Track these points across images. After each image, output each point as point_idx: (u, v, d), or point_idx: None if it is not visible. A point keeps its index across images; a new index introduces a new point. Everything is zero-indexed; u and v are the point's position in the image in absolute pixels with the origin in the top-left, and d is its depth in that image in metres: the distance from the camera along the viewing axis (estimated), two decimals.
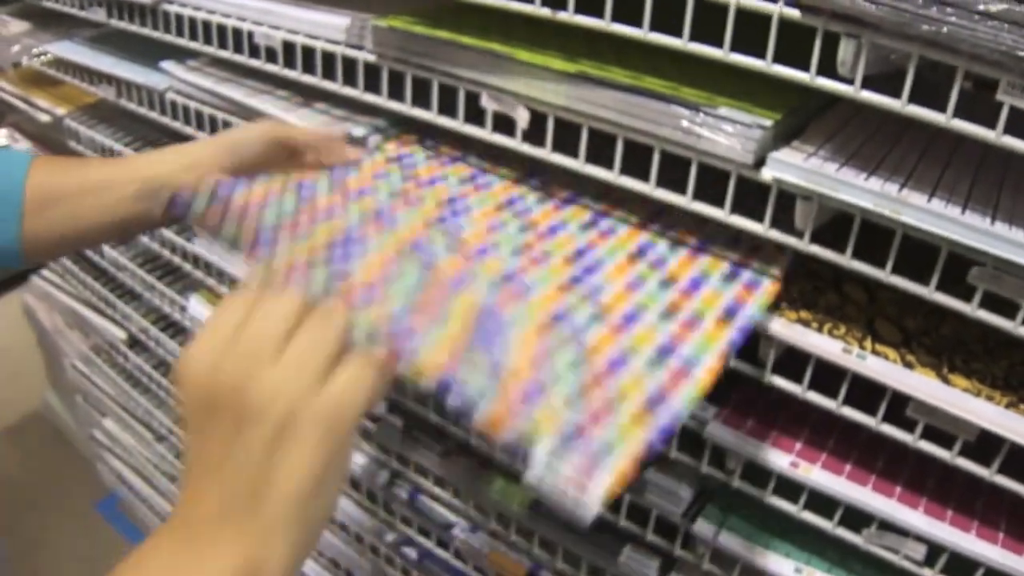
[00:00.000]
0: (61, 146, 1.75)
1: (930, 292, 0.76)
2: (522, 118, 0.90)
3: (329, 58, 1.06)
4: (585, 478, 0.60)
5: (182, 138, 1.38)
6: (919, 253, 0.76)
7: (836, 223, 0.80)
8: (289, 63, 1.11)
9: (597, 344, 0.75)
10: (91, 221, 0.91)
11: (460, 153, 1.07)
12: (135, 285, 1.77)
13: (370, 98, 1.04)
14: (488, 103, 0.92)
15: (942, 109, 0.69)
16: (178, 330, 1.79)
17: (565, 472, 0.61)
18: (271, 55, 1.13)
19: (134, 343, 1.94)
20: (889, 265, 0.77)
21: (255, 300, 0.62)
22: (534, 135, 0.91)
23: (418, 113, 1.00)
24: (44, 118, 1.72)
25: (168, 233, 1.55)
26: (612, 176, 0.87)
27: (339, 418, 0.59)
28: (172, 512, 0.58)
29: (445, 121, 0.98)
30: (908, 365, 0.81)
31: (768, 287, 0.86)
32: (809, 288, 0.89)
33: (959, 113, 0.69)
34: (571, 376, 0.70)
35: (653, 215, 0.95)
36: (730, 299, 0.84)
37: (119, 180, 0.92)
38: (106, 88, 1.49)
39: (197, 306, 1.56)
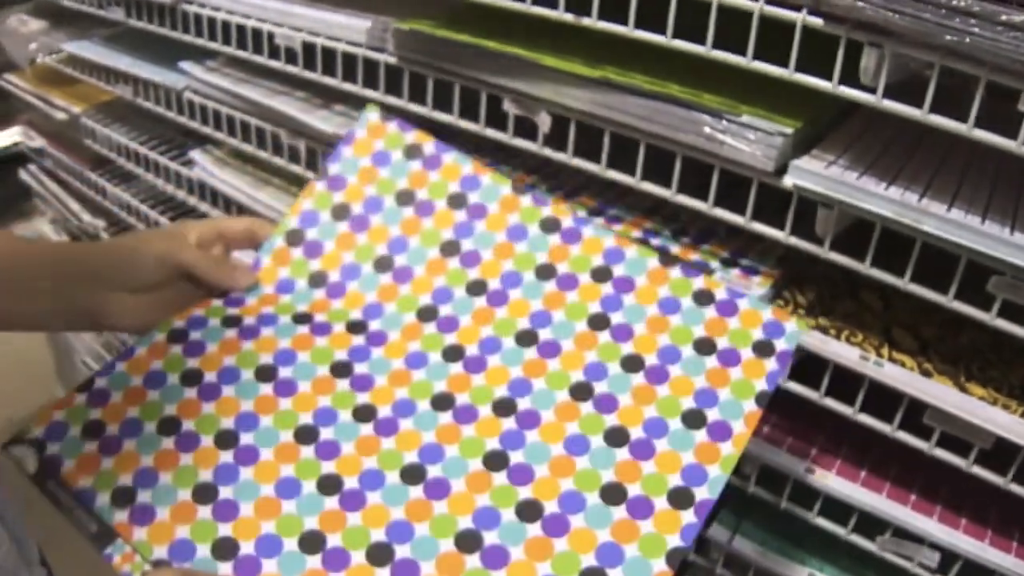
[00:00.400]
0: (76, 144, 1.76)
1: (949, 301, 0.76)
2: (544, 123, 0.91)
3: (350, 60, 1.07)
4: None
5: (199, 138, 1.39)
6: (936, 261, 0.76)
7: (853, 230, 0.80)
8: (309, 64, 1.12)
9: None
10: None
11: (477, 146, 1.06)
12: None
13: (391, 100, 1.05)
14: (510, 107, 0.92)
15: (961, 118, 0.70)
16: None
17: None
18: (291, 56, 1.14)
19: None
20: (908, 274, 0.77)
21: None
22: (555, 139, 0.92)
23: (439, 116, 1.00)
24: (60, 116, 1.73)
25: None
26: (634, 181, 0.88)
27: None
28: None
29: (466, 124, 0.98)
30: (925, 373, 0.81)
31: (765, 273, 0.88)
32: (826, 295, 0.89)
33: (980, 123, 0.69)
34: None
35: (658, 204, 0.96)
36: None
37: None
38: (123, 87, 1.50)
39: None
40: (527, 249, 0.82)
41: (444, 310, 0.80)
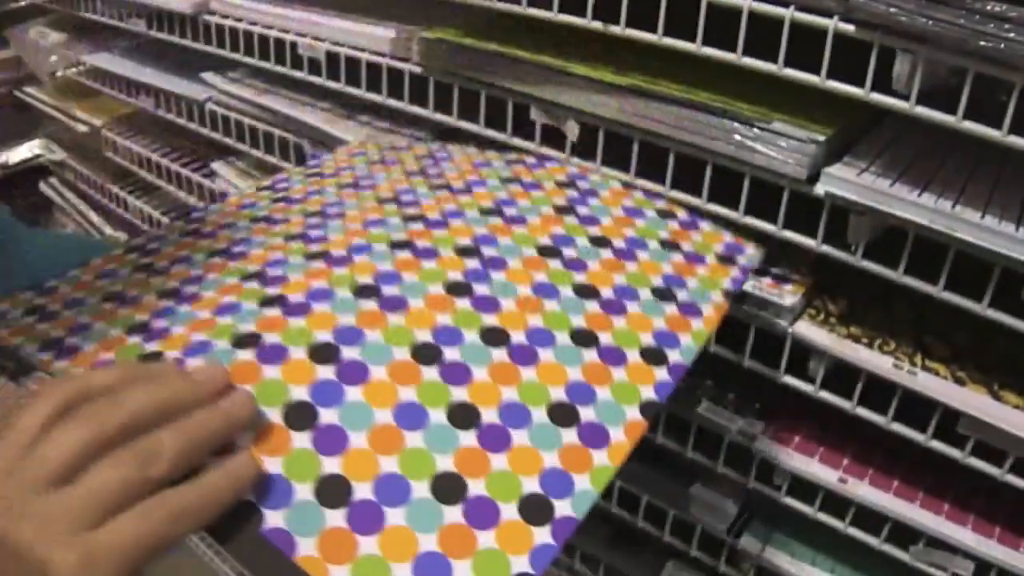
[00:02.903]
0: (97, 156, 1.76)
1: (983, 309, 0.75)
2: (572, 131, 0.90)
3: (374, 70, 1.07)
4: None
5: (218, 148, 1.39)
6: (969, 268, 0.75)
7: (884, 237, 0.80)
8: (333, 75, 1.12)
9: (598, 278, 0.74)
10: None
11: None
12: None
13: (416, 110, 1.04)
14: (538, 116, 0.92)
15: (994, 124, 0.69)
16: None
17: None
18: (314, 66, 1.14)
19: None
20: (942, 281, 0.76)
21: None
22: (583, 148, 0.91)
23: (465, 125, 1.00)
24: (82, 128, 1.74)
25: None
26: (664, 189, 0.87)
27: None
28: None
29: (493, 133, 0.98)
30: (959, 381, 0.80)
31: (796, 281, 0.87)
32: (858, 304, 0.88)
33: (1013, 129, 0.69)
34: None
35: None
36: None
37: None
38: (144, 99, 1.50)
39: None
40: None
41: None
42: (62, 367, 0.63)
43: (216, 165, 1.42)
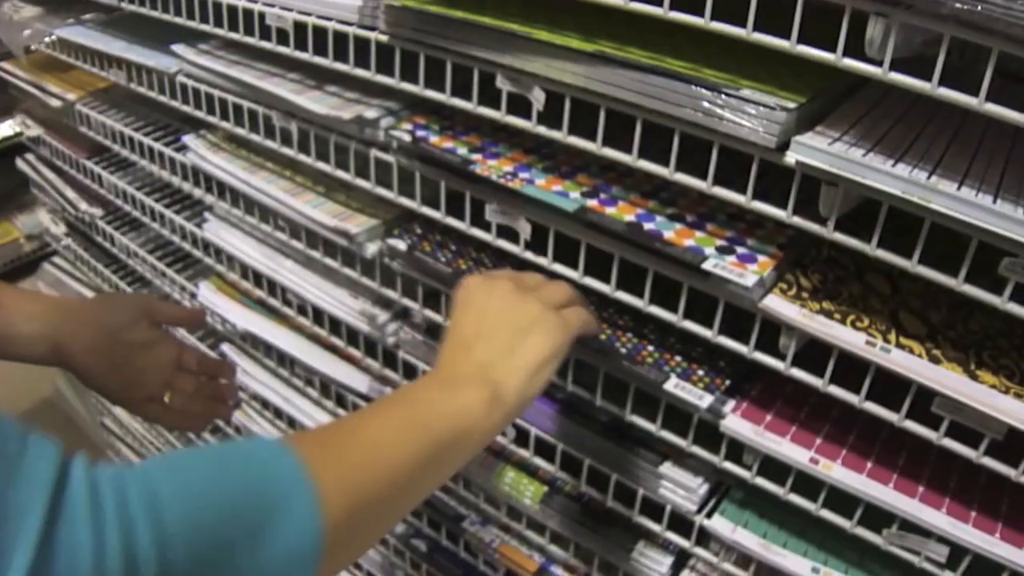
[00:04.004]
0: (73, 132, 1.73)
1: (959, 284, 0.73)
2: (538, 99, 0.87)
3: (341, 39, 1.04)
4: None
5: (193, 123, 1.37)
6: (946, 243, 0.73)
7: (860, 211, 0.77)
8: (300, 45, 1.09)
9: None
10: None
11: (475, 125, 1.06)
12: (145, 272, 1.76)
13: (382, 79, 1.02)
14: (503, 84, 0.89)
15: (969, 91, 0.66)
16: None
17: None
18: (282, 37, 1.11)
19: None
20: (916, 255, 0.74)
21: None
22: (550, 116, 0.88)
23: (431, 94, 0.97)
24: (55, 103, 1.70)
25: (179, 220, 1.53)
26: (631, 159, 0.84)
27: (569, 329, 0.84)
28: (425, 377, 0.82)
29: (459, 102, 0.95)
30: (934, 359, 0.78)
31: (763, 261, 0.84)
32: (831, 278, 0.86)
33: (992, 98, 0.66)
34: None
35: (658, 187, 0.95)
36: None
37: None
38: (117, 72, 1.47)
39: (207, 293, 1.54)
40: None
41: None
42: None
43: (187, 138, 1.39)
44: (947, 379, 0.76)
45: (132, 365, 1.05)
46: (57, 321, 0.99)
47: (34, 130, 1.90)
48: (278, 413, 1.55)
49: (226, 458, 0.63)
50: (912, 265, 0.74)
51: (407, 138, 1.01)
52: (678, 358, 0.94)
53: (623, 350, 0.95)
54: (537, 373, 0.80)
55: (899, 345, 0.79)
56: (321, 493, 0.62)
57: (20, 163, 2.06)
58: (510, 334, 0.81)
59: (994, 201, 0.69)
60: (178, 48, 1.31)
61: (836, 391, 0.82)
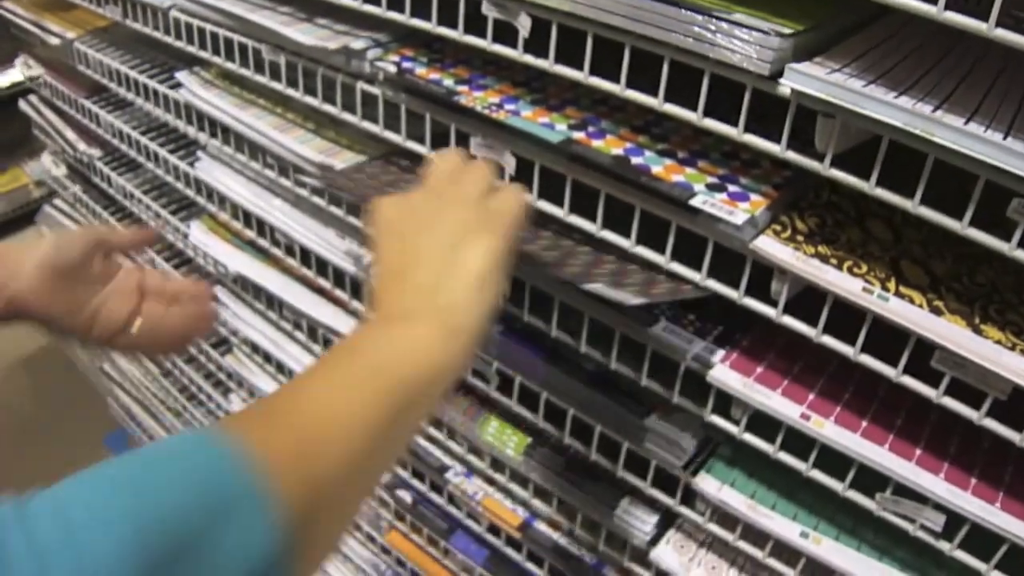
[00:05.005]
0: (73, 72, 1.69)
1: (963, 227, 0.67)
2: (524, 26, 0.82)
3: None
4: None
5: (191, 60, 1.33)
6: (952, 187, 0.68)
7: (859, 150, 0.72)
8: None
9: None
10: None
11: (464, 58, 1.02)
12: (141, 213, 1.72)
13: (369, 9, 0.97)
14: (489, 10, 0.84)
15: (978, 17, 0.61)
16: (182, 260, 1.75)
17: None
18: None
19: None
20: (918, 195, 0.68)
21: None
22: (536, 44, 0.84)
23: (417, 23, 0.93)
24: (54, 41, 1.67)
25: (173, 159, 1.49)
26: (618, 89, 0.79)
27: (503, 222, 0.75)
28: (364, 323, 0.73)
29: (445, 31, 0.90)
30: (936, 311, 0.73)
31: (755, 200, 0.79)
32: (829, 223, 0.81)
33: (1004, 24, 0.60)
34: None
35: (650, 123, 0.90)
36: None
37: None
38: (112, 8, 1.43)
39: (198, 233, 1.51)
40: None
41: None
42: None
43: (180, 75, 1.35)
44: (949, 332, 0.71)
45: (92, 302, 1.00)
46: (1, 274, 0.95)
47: (35, 70, 1.87)
48: (267, 358, 1.53)
49: (150, 464, 0.54)
50: (913, 206, 0.69)
51: (393, 69, 0.97)
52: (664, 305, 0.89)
53: None
54: (483, 285, 0.72)
55: (898, 294, 0.74)
56: (271, 484, 0.54)
57: (23, 104, 2.04)
58: (442, 250, 0.73)
59: (1004, 137, 0.64)
60: None
61: (829, 341, 0.77)
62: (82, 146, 1.80)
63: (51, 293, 0.94)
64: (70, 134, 1.85)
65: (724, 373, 0.85)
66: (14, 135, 2.66)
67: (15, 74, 2.51)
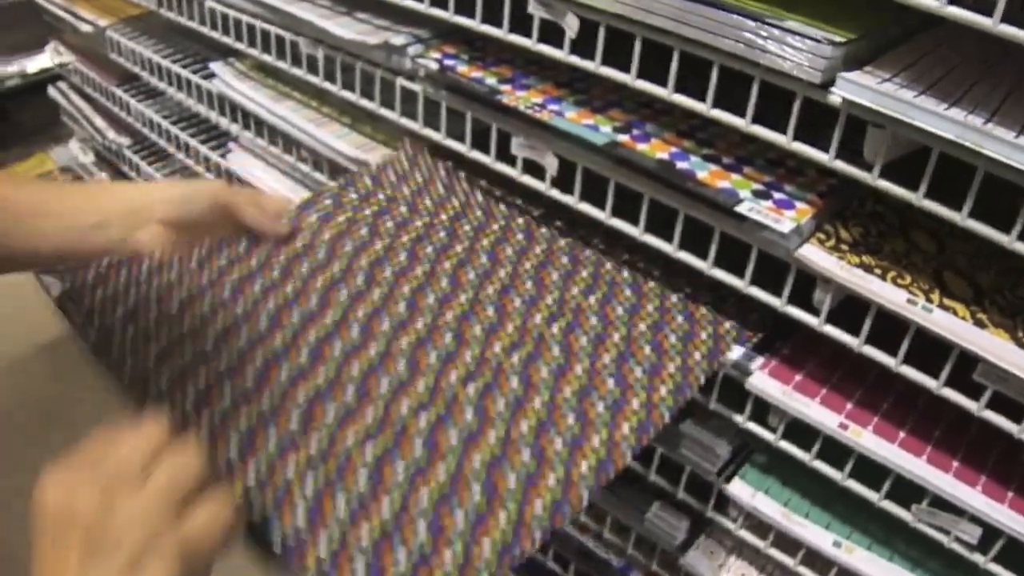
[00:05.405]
0: (104, 60, 1.70)
1: (1011, 241, 0.67)
2: (571, 27, 0.82)
3: None
4: None
5: (223, 52, 1.33)
6: (1000, 200, 0.67)
7: (906, 161, 0.71)
8: None
9: None
10: (45, 243, 0.87)
11: (508, 57, 1.01)
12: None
13: (411, 5, 0.97)
14: (536, 9, 0.84)
15: None
16: None
17: None
18: None
19: None
20: (967, 207, 0.68)
21: (117, 433, 0.62)
22: (584, 48, 0.83)
23: (461, 20, 0.92)
24: (86, 28, 1.67)
25: (204, 150, 1.49)
26: (665, 93, 0.79)
27: (195, 555, 0.59)
28: None
29: (489, 29, 0.90)
30: (979, 324, 0.72)
31: (801, 208, 0.79)
32: (873, 233, 0.80)
33: None
34: None
35: (695, 127, 0.90)
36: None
37: (81, 208, 0.88)
38: None
39: None
40: None
41: None
42: None
43: (215, 65, 1.36)
44: (992, 345, 0.71)
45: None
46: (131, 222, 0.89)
47: (66, 56, 1.87)
48: None
49: None
50: (962, 218, 0.68)
51: (434, 66, 0.96)
52: (705, 309, 0.89)
53: None
54: None
55: (942, 306, 0.73)
56: None
57: (52, 91, 2.04)
58: (117, 569, 0.56)
59: None
60: None
61: (871, 351, 0.77)
62: (111, 134, 1.80)
63: (167, 244, 0.91)
64: (99, 121, 1.86)
65: (763, 381, 0.84)
66: (40, 121, 2.67)
67: (43, 60, 2.51)
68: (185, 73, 1.44)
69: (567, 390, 0.77)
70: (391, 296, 0.84)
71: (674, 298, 0.89)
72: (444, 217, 0.95)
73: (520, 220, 0.97)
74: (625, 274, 0.91)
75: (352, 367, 0.77)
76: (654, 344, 0.83)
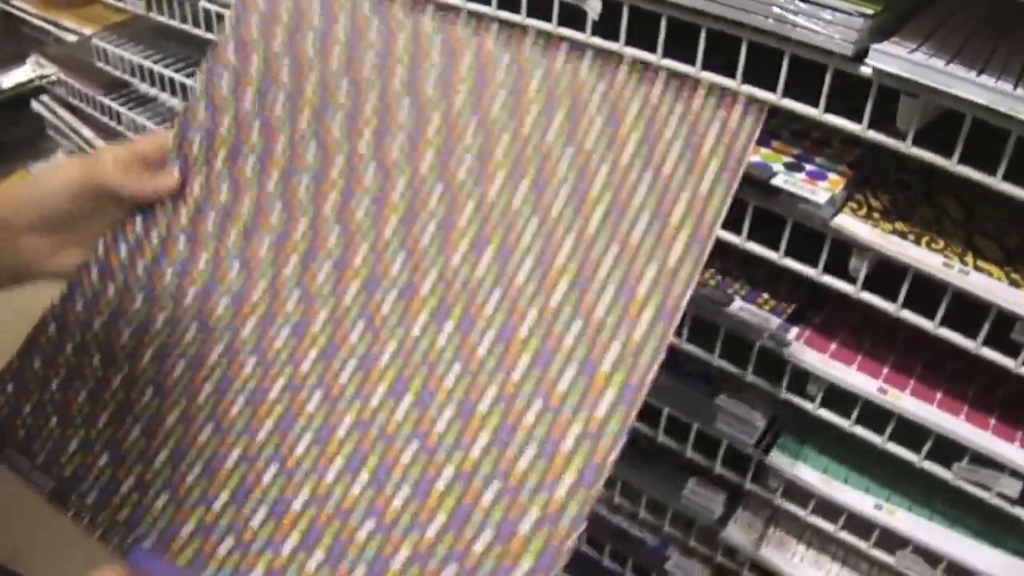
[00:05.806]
0: (89, 69, 1.69)
1: None
2: (594, 8, 0.83)
3: None
4: None
5: None
6: None
7: (934, 127, 0.73)
8: None
9: None
10: None
11: None
12: None
13: None
14: None
15: None
16: None
17: None
18: None
19: None
20: (1001, 170, 0.69)
21: None
22: (606, 25, 0.84)
23: (474, 6, 0.92)
24: (71, 38, 1.66)
25: None
26: (694, 71, 0.80)
27: None
28: None
29: (506, 15, 0.90)
30: (1014, 283, 0.74)
31: (833, 179, 0.80)
32: (901, 200, 0.82)
33: None
34: None
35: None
36: None
37: None
38: (135, 2, 1.42)
39: None
40: None
41: None
42: None
43: None
44: None
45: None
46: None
47: (48, 68, 1.86)
48: None
49: None
50: (996, 182, 0.70)
51: None
52: (738, 283, 0.89)
53: None
54: None
55: (977, 268, 0.75)
56: None
57: (35, 104, 2.02)
58: None
59: None
60: None
61: (909, 315, 0.78)
62: (100, 144, 1.79)
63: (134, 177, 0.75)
64: (87, 132, 1.84)
65: (802, 350, 0.85)
66: (18, 137, 2.64)
67: (19, 75, 2.49)
68: (179, 77, 1.43)
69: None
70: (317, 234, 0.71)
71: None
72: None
73: None
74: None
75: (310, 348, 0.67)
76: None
